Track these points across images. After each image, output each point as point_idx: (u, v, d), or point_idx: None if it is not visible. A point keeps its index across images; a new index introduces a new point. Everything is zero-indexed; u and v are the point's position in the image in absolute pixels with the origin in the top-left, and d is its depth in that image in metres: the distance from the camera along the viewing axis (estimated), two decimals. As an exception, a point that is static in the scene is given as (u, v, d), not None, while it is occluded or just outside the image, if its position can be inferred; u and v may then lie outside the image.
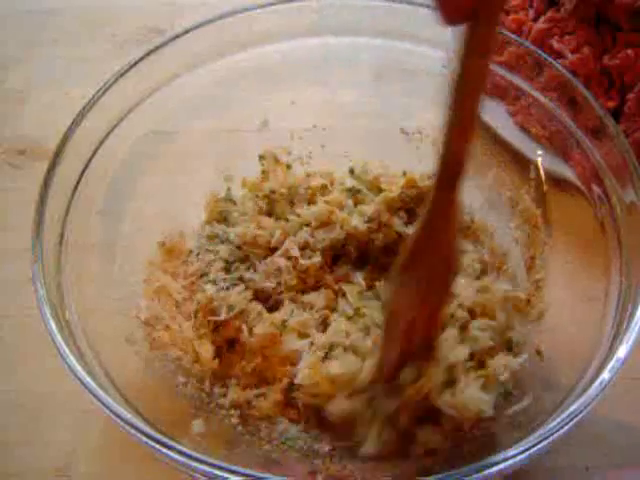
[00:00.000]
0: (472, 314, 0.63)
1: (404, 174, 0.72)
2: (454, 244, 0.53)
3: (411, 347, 0.56)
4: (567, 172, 0.67)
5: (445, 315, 0.59)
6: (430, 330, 0.57)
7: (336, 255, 0.70)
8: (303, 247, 0.68)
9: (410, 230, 0.69)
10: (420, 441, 0.58)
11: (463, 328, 0.62)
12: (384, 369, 0.58)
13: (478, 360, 0.62)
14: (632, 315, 0.54)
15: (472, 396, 0.57)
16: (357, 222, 0.68)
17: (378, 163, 0.74)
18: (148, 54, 0.68)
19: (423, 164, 0.75)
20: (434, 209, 0.51)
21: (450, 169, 0.49)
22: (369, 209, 0.69)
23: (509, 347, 0.63)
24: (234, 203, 0.73)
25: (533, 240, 0.68)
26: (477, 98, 0.48)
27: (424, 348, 0.57)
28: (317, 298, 0.67)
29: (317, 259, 0.67)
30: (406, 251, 0.54)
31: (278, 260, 0.67)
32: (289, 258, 0.67)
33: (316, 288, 0.68)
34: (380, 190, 0.71)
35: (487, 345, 0.61)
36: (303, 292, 0.68)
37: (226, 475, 0.48)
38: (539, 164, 0.72)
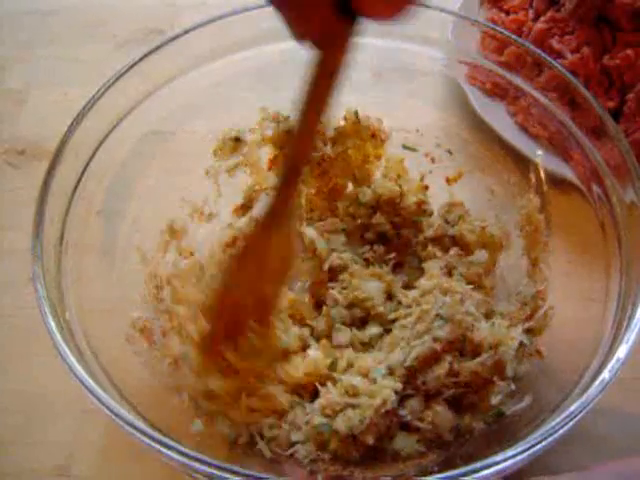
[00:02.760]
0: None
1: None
2: (292, 240, 0.60)
3: (238, 323, 0.60)
4: (567, 172, 0.67)
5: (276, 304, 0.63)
6: (262, 314, 0.61)
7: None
8: None
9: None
10: (395, 448, 0.59)
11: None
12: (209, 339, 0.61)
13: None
14: (632, 315, 0.54)
15: (441, 415, 0.59)
16: None
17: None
18: (148, 54, 0.68)
19: (423, 164, 0.75)
20: (276, 203, 0.57)
21: (293, 167, 0.56)
22: None
23: (508, 381, 0.62)
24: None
25: (534, 240, 0.68)
26: (322, 110, 0.53)
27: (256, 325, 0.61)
28: None
29: None
30: (244, 243, 0.60)
31: None
32: None
33: None
34: None
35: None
36: None
37: (226, 475, 0.48)
38: (539, 164, 0.72)
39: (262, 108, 0.72)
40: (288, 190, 0.56)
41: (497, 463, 0.48)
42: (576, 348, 0.59)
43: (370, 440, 0.58)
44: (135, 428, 0.49)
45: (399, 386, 0.59)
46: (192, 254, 0.72)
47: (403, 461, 0.59)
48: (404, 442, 0.59)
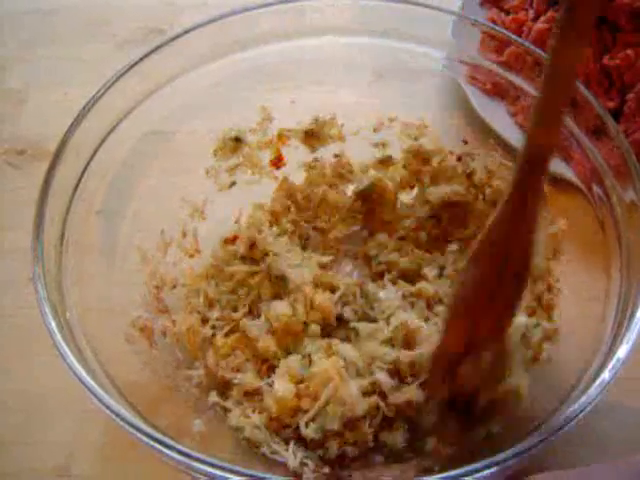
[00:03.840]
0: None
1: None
2: (532, 238, 0.51)
3: (473, 341, 0.55)
4: (567, 172, 0.67)
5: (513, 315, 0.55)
6: (496, 327, 0.55)
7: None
8: None
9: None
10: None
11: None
12: (441, 359, 0.56)
13: None
14: (632, 315, 0.54)
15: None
16: None
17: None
18: (148, 54, 0.68)
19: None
20: (514, 195, 0.49)
21: (535, 154, 0.48)
22: None
23: None
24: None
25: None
26: (571, 85, 0.47)
27: (489, 341, 0.55)
28: None
29: None
30: (479, 242, 0.52)
31: None
32: None
33: None
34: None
35: None
36: None
37: (227, 475, 0.48)
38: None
39: (262, 108, 0.72)
40: (530, 184, 0.48)
41: (497, 463, 0.48)
42: (576, 348, 0.59)
43: (366, 429, 0.58)
44: (135, 428, 0.49)
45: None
46: (198, 251, 0.72)
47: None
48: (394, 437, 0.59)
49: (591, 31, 0.43)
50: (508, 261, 0.51)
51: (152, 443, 0.49)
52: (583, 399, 0.50)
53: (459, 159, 0.69)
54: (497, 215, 0.51)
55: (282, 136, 0.74)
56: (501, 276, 0.52)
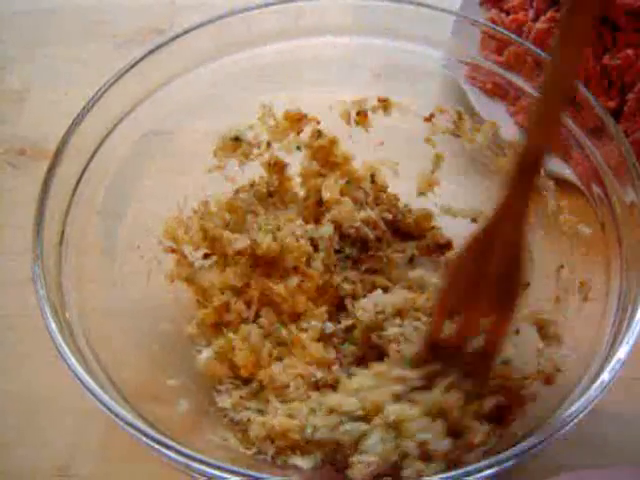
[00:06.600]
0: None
1: None
2: (523, 244, 0.51)
3: (459, 343, 0.55)
4: (567, 172, 0.67)
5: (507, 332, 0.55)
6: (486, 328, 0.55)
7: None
8: None
9: None
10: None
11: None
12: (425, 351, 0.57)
13: None
14: (632, 315, 0.54)
15: None
16: None
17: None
18: (148, 54, 0.68)
19: (423, 164, 0.75)
20: (508, 197, 0.50)
21: (532, 153, 0.49)
22: None
23: None
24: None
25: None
26: (571, 86, 0.49)
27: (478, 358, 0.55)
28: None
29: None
30: (470, 241, 0.53)
31: None
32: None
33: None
34: None
35: None
36: None
37: (226, 475, 0.48)
38: (539, 164, 0.71)
39: (262, 105, 0.72)
40: (522, 186, 0.50)
41: (498, 463, 0.48)
42: (576, 348, 0.59)
43: None
44: (135, 428, 0.50)
45: None
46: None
47: None
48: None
49: (591, 32, 0.44)
50: (493, 258, 0.52)
51: (152, 443, 0.49)
52: (583, 399, 0.50)
53: None
54: (492, 214, 0.52)
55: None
56: (486, 273, 0.52)
